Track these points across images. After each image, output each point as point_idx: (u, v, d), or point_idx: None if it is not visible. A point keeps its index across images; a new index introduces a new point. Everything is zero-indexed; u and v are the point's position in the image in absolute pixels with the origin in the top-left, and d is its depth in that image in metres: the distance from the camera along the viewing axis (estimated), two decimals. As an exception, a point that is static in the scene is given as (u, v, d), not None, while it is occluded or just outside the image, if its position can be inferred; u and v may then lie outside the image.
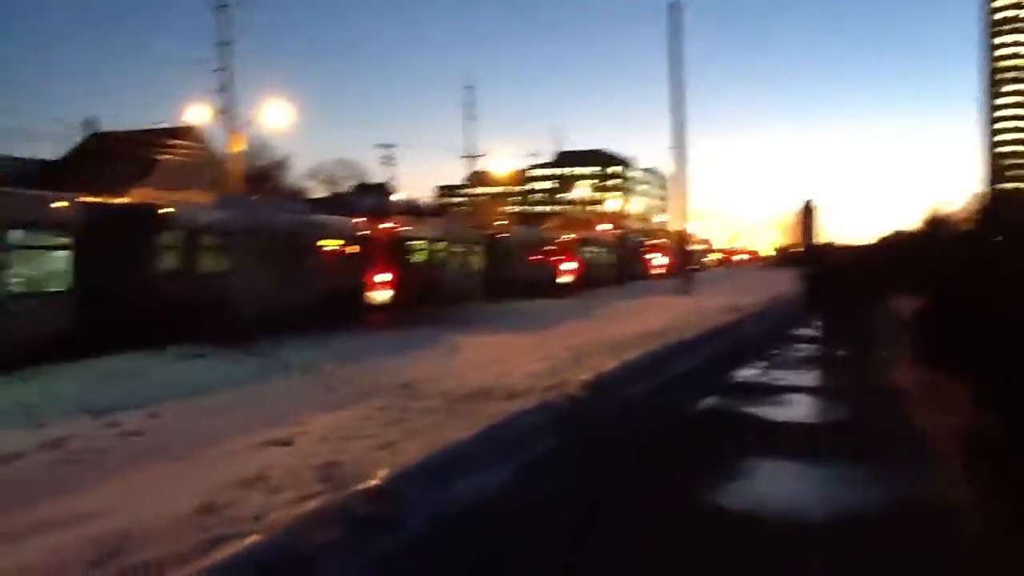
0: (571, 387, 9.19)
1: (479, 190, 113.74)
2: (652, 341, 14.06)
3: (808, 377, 13.62)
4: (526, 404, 8.37)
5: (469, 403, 9.12)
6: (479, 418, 7.84)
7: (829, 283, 29.17)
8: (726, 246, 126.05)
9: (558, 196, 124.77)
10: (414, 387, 10.77)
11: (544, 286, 32.81)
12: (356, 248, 22.35)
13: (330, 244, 21.50)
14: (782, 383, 12.63)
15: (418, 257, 26.05)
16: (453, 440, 6.62)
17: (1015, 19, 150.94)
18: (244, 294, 17.56)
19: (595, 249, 41.99)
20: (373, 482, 5.31)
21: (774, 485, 7.78)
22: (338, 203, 60.27)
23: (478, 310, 24.56)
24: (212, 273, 17.22)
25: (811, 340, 19.06)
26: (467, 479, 5.82)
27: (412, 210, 59.85)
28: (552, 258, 35.92)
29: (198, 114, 36.94)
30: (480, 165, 64.58)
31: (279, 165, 63.10)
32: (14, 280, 13.35)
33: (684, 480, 7.83)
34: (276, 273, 18.75)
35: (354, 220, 23.26)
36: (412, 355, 14.17)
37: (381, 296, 23.73)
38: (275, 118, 37.10)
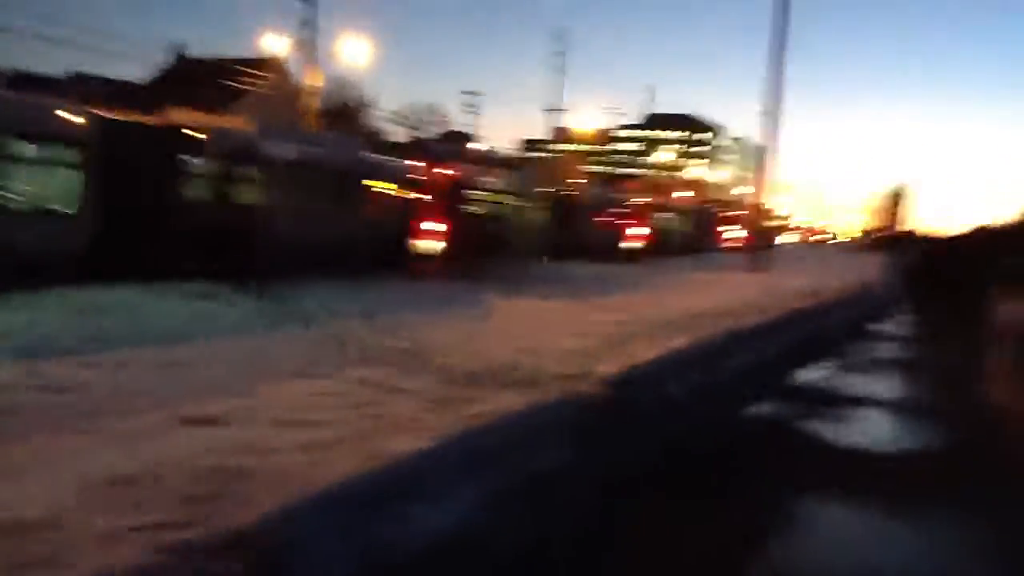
0: (599, 379, 7.40)
1: (562, 146, 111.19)
2: (710, 325, 12.13)
3: (885, 384, 11.54)
4: (535, 398, 6.64)
5: (470, 387, 7.45)
6: (468, 412, 6.16)
7: (929, 275, 26.53)
8: (809, 223, 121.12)
9: (642, 159, 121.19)
10: (420, 356, 9.17)
11: (612, 250, 30.84)
12: (410, 193, 20.70)
13: (382, 186, 19.91)
14: (853, 391, 10.60)
15: (478, 208, 24.29)
16: (412, 449, 4.91)
17: None
18: (280, 231, 16.16)
19: (669, 216, 39.63)
20: (250, 518, 3.66)
21: (831, 549, 5.89)
22: (416, 147, 59.14)
23: (535, 270, 22.83)
24: (246, 206, 15.81)
25: (892, 338, 16.72)
26: (410, 511, 4.15)
27: (488, 159, 58.12)
28: (623, 222, 33.80)
29: (275, 44, 35.65)
30: (563, 121, 62.16)
31: (361, 105, 61.76)
32: (16, 197, 12.10)
33: (711, 536, 5.99)
34: (318, 212, 17.32)
35: (409, 163, 21.60)
36: (441, 315, 12.58)
37: (433, 246, 22.12)
38: (354, 54, 35.72)
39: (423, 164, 22.35)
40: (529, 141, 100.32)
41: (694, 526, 6.08)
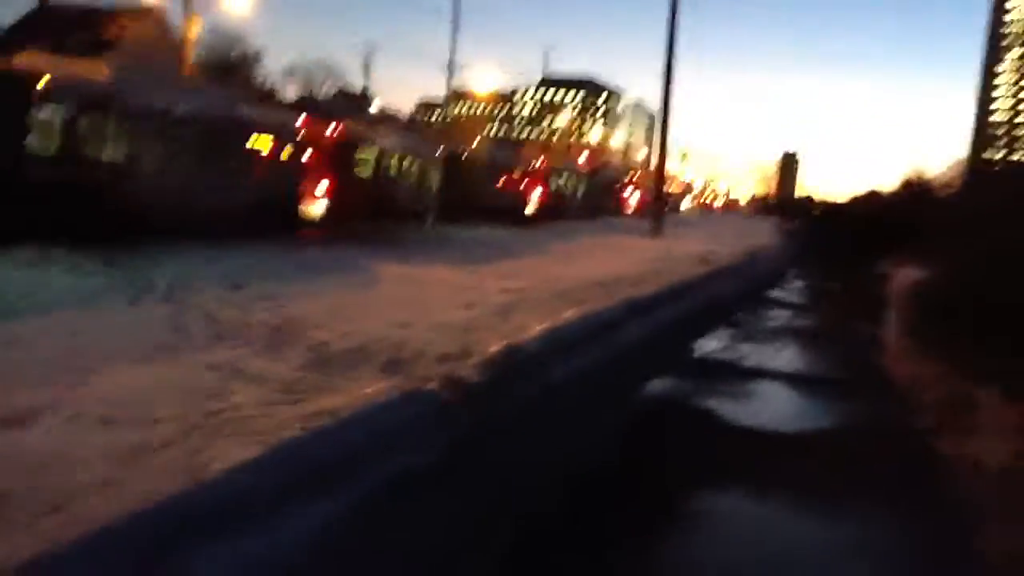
0: (476, 360, 6.54)
1: (460, 108, 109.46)
2: (604, 293, 11.46)
3: (786, 356, 11.07)
4: (400, 385, 5.72)
5: (331, 371, 6.50)
6: (318, 406, 5.21)
7: (819, 239, 26.69)
8: (704, 190, 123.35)
9: (543, 123, 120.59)
10: (285, 333, 8.15)
11: (507, 213, 30.03)
12: (293, 151, 19.30)
13: (262, 144, 18.45)
14: (754, 364, 10.07)
15: (366, 168, 23.06)
16: (231, 464, 3.94)
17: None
18: (141, 189, 14.68)
19: (566, 179, 39.06)
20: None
21: (739, 545, 5.23)
22: (305, 105, 56.86)
23: (427, 234, 21.88)
24: (99, 161, 14.26)
25: (789, 305, 16.41)
26: (199, 553, 3.20)
27: (382, 118, 56.36)
28: (519, 184, 33.01)
29: (151, -11, 33.16)
30: (463, 81, 60.74)
31: (250, 59, 58.82)
32: None
33: (600, 546, 5.25)
34: (188, 169, 15.85)
35: (293, 118, 20.18)
36: (316, 284, 11.51)
37: (316, 208, 20.85)
38: (234, 2, 33.54)
39: (306, 120, 20.96)
40: (427, 104, 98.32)
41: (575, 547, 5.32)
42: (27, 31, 43.01)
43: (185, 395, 5.58)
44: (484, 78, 60.43)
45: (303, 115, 20.75)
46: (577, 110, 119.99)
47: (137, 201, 14.40)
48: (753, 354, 10.42)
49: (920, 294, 11.87)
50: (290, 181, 18.92)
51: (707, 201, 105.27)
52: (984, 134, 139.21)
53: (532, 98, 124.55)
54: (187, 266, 11.77)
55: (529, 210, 33.88)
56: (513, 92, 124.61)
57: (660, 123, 31.14)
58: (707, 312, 12.77)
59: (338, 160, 21.31)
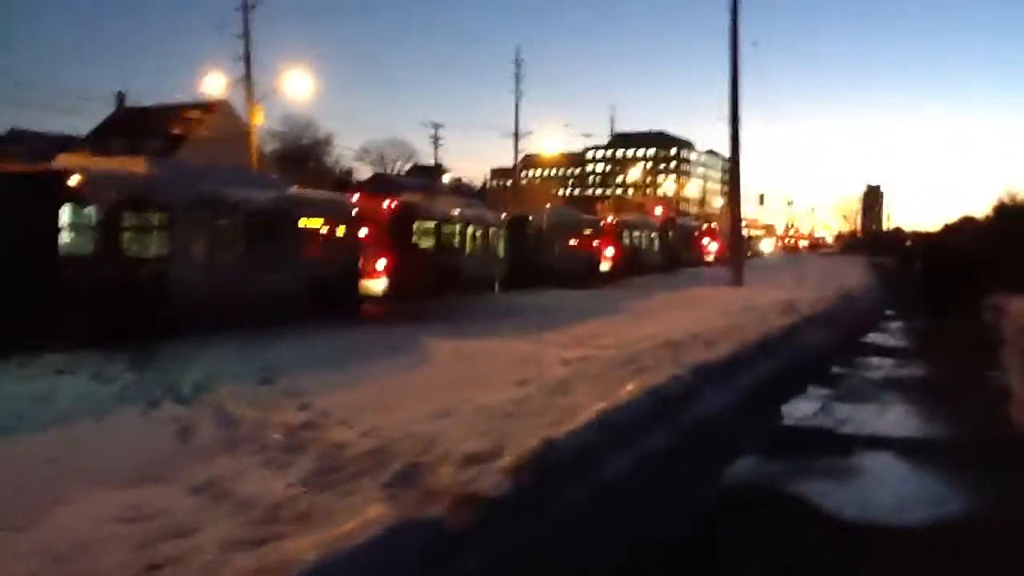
0: (506, 463, 5.35)
1: (533, 172, 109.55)
2: (672, 357, 10.14)
3: (895, 417, 9.39)
4: (396, 509, 4.56)
5: (333, 489, 5.40)
6: (281, 556, 4.07)
7: (913, 273, 24.62)
8: (786, 231, 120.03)
9: (616, 180, 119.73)
10: (300, 434, 7.15)
11: (580, 274, 28.89)
12: (350, 228, 18.63)
13: (316, 223, 17.82)
14: (858, 430, 8.48)
15: (427, 240, 22.31)
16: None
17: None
18: (186, 283, 14.10)
19: (640, 233, 37.73)
20: None
21: None
22: (380, 183, 57.33)
23: (492, 303, 20.84)
24: (144, 258, 13.73)
25: (891, 352, 14.57)
26: None
27: (452, 190, 56.20)
28: (590, 243, 31.88)
29: (214, 83, 33.70)
30: (529, 145, 60.46)
31: (321, 143, 59.91)
32: None
33: None
34: (236, 258, 15.24)
35: (349, 196, 19.62)
36: (362, 369, 10.50)
37: (377, 285, 20.12)
38: (296, 88, 33.80)
39: (361, 197, 20.40)
40: (496, 170, 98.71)
41: None
42: (107, 133, 44.65)
43: (144, 536, 4.54)
44: (550, 141, 59.79)
45: (357, 193, 20.22)
46: (649, 164, 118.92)
47: (181, 296, 13.81)
48: (854, 417, 8.83)
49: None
50: (347, 260, 18.19)
51: (791, 242, 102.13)
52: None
53: (604, 157, 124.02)
54: (222, 362, 10.93)
55: (604, 268, 32.70)
56: (584, 152, 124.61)
57: (731, 167, 29.71)
58: (796, 369, 11.26)
59: (396, 234, 20.66)
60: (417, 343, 13.10)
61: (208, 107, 42.62)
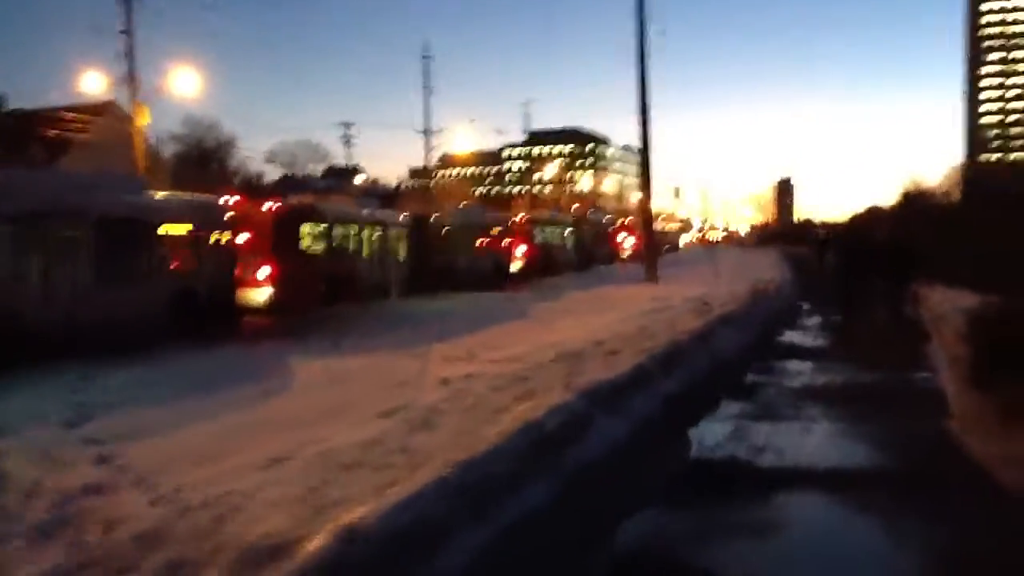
0: (322, 548, 3.70)
1: (449, 172, 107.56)
2: (564, 375, 8.64)
3: (819, 440, 7.86)
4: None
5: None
6: None
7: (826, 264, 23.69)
8: (703, 225, 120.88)
9: (534, 177, 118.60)
10: (70, 505, 5.43)
11: (489, 276, 27.28)
12: (223, 235, 16.64)
13: (181, 230, 15.79)
14: (778, 460, 6.94)
15: (318, 245, 20.42)
16: None
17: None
18: (19, 305, 12.06)
19: (553, 231, 36.36)
20: None
21: None
22: (290, 184, 54.76)
23: (388, 311, 19.09)
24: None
25: (810, 354, 13.25)
26: None
27: (370, 192, 53.94)
28: (499, 243, 30.30)
29: (93, 83, 31.03)
30: (443, 143, 58.57)
31: (224, 145, 56.94)
32: None
33: None
34: (83, 273, 13.19)
35: (223, 200, 17.60)
36: (201, 404, 8.71)
37: (258, 296, 18.14)
38: (184, 85, 31.40)
39: (239, 201, 18.39)
40: (413, 170, 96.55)
41: None
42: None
43: None
44: (463, 139, 58.11)
45: (232, 196, 18.21)
46: (565, 161, 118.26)
47: (8, 320, 11.75)
48: (773, 442, 7.35)
49: (983, 328, 8.90)
50: (219, 270, 16.20)
51: (706, 236, 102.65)
52: (977, 137, 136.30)
53: (520, 155, 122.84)
54: (31, 399, 9.04)
55: (515, 268, 31.17)
56: (501, 150, 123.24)
57: (641, 160, 28.57)
58: (707, 380, 9.83)
59: (281, 240, 18.67)
60: (284, 365, 11.36)
61: (95, 109, 39.69)
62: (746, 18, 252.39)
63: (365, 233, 21.97)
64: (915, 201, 45.18)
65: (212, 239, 16.32)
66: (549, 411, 6.33)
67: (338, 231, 20.99)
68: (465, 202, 43.81)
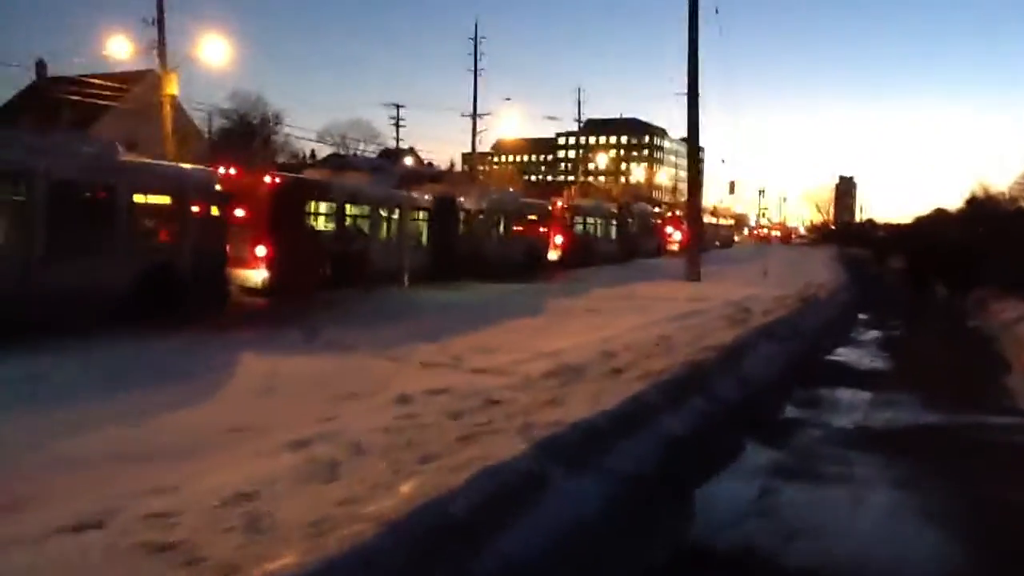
0: None
1: (503, 158, 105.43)
2: (554, 404, 6.58)
3: (879, 518, 5.55)
4: None
5: None
6: None
7: (889, 269, 21.21)
8: (758, 221, 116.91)
9: (588, 167, 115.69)
10: None
11: (523, 265, 25.23)
12: (213, 208, 14.86)
13: (159, 201, 14.00)
14: (816, 556, 4.74)
15: (324, 224, 18.61)
16: None
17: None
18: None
19: (595, 221, 34.10)
20: None
21: None
22: (335, 163, 53.22)
23: (393, 300, 17.16)
24: None
25: (867, 379, 10.75)
26: None
27: (415, 174, 51.88)
28: (536, 230, 28.22)
29: (120, 49, 29.60)
30: (491, 127, 56.41)
31: (270, 122, 55.60)
32: None
33: None
34: (32, 242, 11.48)
35: (216, 171, 15.84)
36: (84, 413, 6.83)
37: (255, 276, 16.41)
38: (213, 54, 29.82)
39: (237, 173, 16.63)
40: (467, 154, 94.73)
41: None
42: (26, 103, 40.38)
43: None
44: (509, 124, 55.94)
45: (226, 167, 16.41)
46: (622, 151, 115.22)
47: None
48: (811, 518, 5.16)
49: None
50: (205, 246, 14.41)
51: (762, 232, 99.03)
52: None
53: (576, 143, 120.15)
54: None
55: (551, 258, 29.05)
56: (556, 138, 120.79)
57: (689, 149, 26.20)
58: (732, 417, 7.53)
59: (283, 216, 16.88)
60: (227, 363, 9.48)
61: (133, 77, 38.53)
62: (816, 15, 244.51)
63: (381, 214, 20.07)
64: (982, 206, 42.05)
65: (199, 212, 14.55)
66: (480, 475, 4.29)
67: (350, 210, 19.13)
68: (507, 187, 41.68)
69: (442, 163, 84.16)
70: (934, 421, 8.32)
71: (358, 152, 73.61)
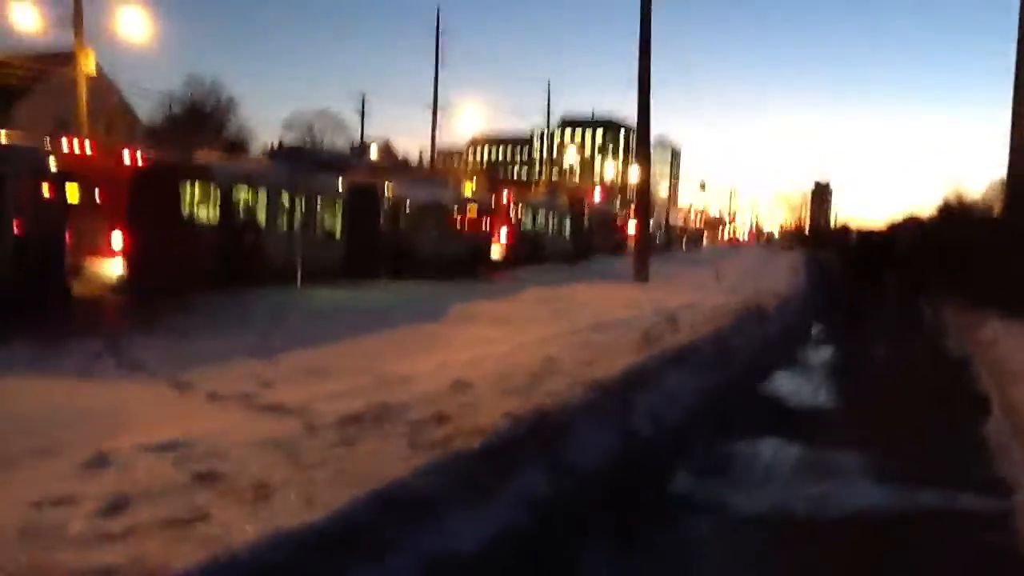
0: None
1: (477, 152, 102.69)
2: (318, 470, 4.09)
3: None
4: None
5: None
6: None
7: (854, 276, 18.94)
8: (731, 223, 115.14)
9: (564, 164, 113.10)
10: None
11: (462, 262, 22.70)
12: (44, 189, 12.26)
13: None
14: None
15: (211, 212, 16.00)
16: None
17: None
18: None
19: (547, 216, 31.62)
20: None
21: None
22: (295, 154, 50.36)
23: (282, 299, 14.57)
24: None
25: (804, 423, 8.00)
26: None
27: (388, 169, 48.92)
28: (479, 225, 25.69)
29: (27, 20, 26.68)
30: (455, 121, 53.79)
31: (223, 108, 52.64)
32: None
33: None
34: None
35: (53, 147, 13.22)
36: None
37: (107, 269, 13.80)
38: (130, 27, 27.04)
39: (92, 150, 14.02)
40: (445, 152, 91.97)
41: None
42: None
43: None
44: (475, 119, 53.38)
45: (80, 143, 13.80)
46: (594, 148, 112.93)
47: None
48: None
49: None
50: (39, 232, 11.82)
51: (732, 234, 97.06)
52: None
53: (550, 141, 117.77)
54: None
55: (495, 255, 26.53)
56: (531, 135, 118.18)
57: (638, 136, 23.78)
58: (572, 504, 4.87)
59: (149, 201, 14.23)
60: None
61: (60, 57, 35.54)
62: (790, 19, 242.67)
63: (282, 203, 17.45)
64: (954, 211, 39.99)
65: (27, 194, 11.93)
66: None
67: (240, 197, 16.51)
68: (474, 183, 39.02)
69: (414, 156, 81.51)
70: (882, 504, 5.68)
71: (323, 144, 70.66)
